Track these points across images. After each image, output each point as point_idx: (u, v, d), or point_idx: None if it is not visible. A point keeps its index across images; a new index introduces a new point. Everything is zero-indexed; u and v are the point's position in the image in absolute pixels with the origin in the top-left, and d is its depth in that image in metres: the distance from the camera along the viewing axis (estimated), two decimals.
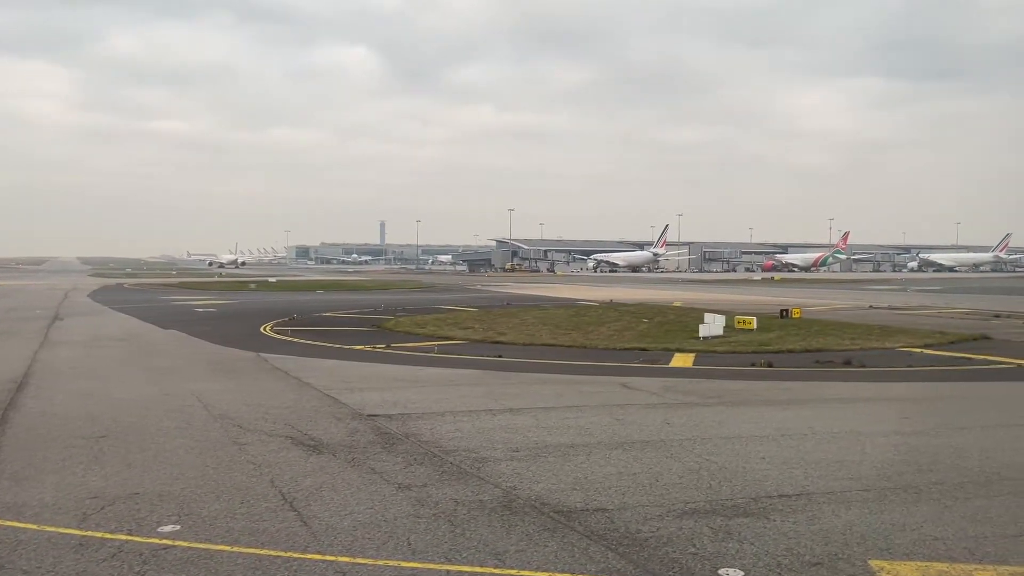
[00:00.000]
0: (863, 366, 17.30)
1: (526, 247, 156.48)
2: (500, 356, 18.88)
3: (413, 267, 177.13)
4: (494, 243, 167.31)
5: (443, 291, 60.90)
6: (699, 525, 6.60)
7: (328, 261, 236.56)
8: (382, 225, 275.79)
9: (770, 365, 17.43)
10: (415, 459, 8.71)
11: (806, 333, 24.36)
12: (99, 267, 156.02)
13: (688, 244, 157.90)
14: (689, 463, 8.65)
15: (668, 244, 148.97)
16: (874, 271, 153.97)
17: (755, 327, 25.94)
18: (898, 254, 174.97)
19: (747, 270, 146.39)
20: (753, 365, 17.56)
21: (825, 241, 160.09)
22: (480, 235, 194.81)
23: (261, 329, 25.56)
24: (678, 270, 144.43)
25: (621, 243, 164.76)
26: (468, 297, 49.78)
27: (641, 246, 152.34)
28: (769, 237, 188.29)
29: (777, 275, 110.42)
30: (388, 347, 20.86)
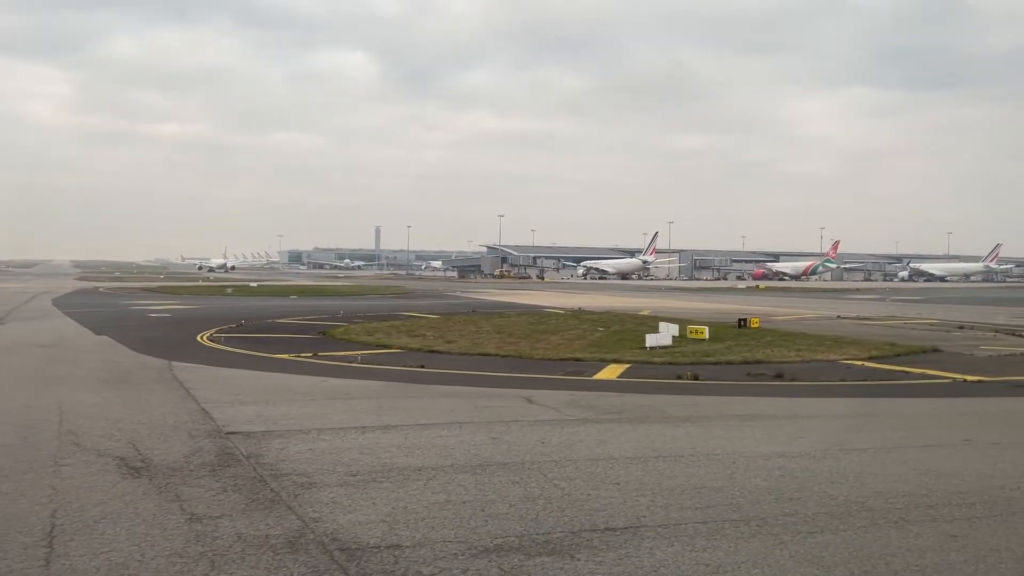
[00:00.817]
0: (793, 379, 16.63)
1: (516, 253, 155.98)
2: (423, 366, 18.20)
3: (404, 273, 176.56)
4: (485, 249, 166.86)
5: (419, 297, 60.25)
6: (490, 566, 5.92)
7: (321, 266, 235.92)
8: (377, 230, 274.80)
9: (696, 378, 16.76)
10: (235, 485, 8.02)
11: (755, 344, 23.70)
12: (89, 270, 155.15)
13: (679, 252, 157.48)
14: (532, 489, 7.97)
15: (658, 252, 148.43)
16: (865, 280, 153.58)
17: (707, 337, 25.30)
18: (889, 263, 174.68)
19: (739, 278, 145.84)
20: (679, 378, 16.89)
21: (817, 250, 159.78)
22: (474, 241, 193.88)
23: (198, 336, 24.86)
24: (668, 277, 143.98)
25: (613, 250, 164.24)
26: (439, 304, 49.10)
27: (632, 253, 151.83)
28: (763, 245, 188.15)
29: (763, 284, 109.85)
30: (314, 356, 20.16)
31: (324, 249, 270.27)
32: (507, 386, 15.34)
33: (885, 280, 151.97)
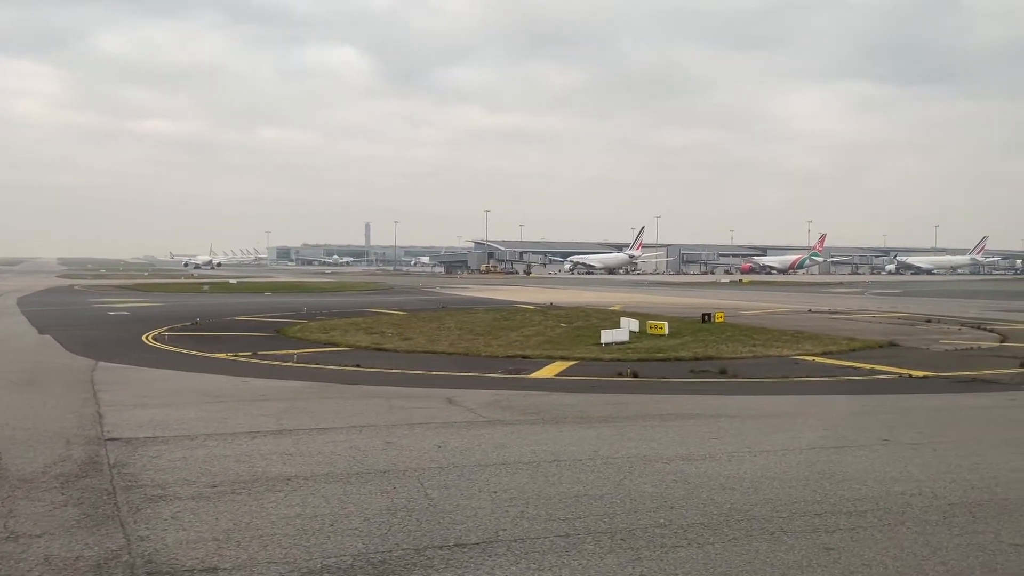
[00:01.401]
0: (735, 376, 16.18)
1: (503, 249, 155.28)
2: (358, 366, 17.65)
3: (392, 269, 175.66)
4: (472, 245, 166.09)
5: (396, 293, 59.58)
6: None
7: (309, 262, 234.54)
8: (367, 226, 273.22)
9: (635, 375, 16.27)
10: (79, 499, 7.46)
11: (713, 339, 23.24)
12: (74, 268, 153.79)
13: (666, 246, 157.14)
14: (400, 500, 7.45)
15: (645, 246, 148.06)
16: (852, 273, 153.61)
17: (666, 332, 24.83)
18: (876, 257, 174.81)
19: (726, 272, 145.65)
20: (620, 375, 16.40)
21: (805, 244, 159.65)
22: (463, 236, 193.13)
23: (145, 336, 24.23)
24: (656, 272, 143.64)
25: (601, 245, 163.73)
26: (412, 300, 48.51)
27: (620, 248, 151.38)
28: (752, 239, 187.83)
29: (746, 278, 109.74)
30: (254, 355, 19.58)
31: (312, 245, 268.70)
32: (437, 385, 14.81)
33: (872, 273, 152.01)
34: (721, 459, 9.19)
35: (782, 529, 6.72)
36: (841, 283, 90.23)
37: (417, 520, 6.87)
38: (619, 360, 18.96)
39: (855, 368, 17.46)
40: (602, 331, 22.94)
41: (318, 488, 7.85)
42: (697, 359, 19.08)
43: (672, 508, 7.28)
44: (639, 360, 19.02)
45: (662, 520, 6.92)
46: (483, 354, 20.23)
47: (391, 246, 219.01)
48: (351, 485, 7.97)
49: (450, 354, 20.36)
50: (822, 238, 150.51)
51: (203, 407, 12.32)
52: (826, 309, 38.56)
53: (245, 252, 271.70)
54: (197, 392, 13.85)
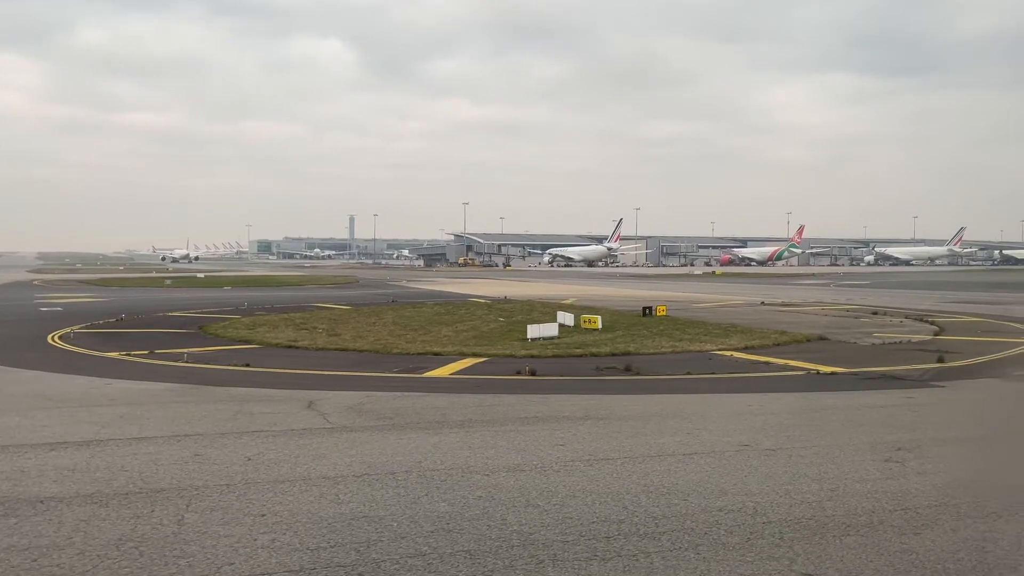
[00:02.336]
0: (639, 374, 15.40)
1: (482, 241, 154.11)
2: (248, 365, 16.72)
3: (371, 262, 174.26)
4: (452, 237, 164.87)
5: (360, 287, 58.49)
6: None
7: (291, 256, 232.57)
8: (351, 219, 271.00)
9: (533, 373, 15.44)
10: None
11: (644, 334, 22.48)
12: (51, 262, 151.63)
13: (646, 238, 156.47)
14: (143, 527, 6.55)
15: (625, 238, 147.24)
16: (831, 265, 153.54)
17: (599, 327, 24.07)
18: (856, 248, 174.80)
19: (706, 264, 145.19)
20: (518, 374, 15.58)
21: (785, 235, 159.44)
22: (445, 229, 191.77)
23: (53, 334, 23.15)
24: (635, 264, 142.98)
25: (581, 237, 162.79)
26: (367, 294, 47.51)
27: (600, 240, 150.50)
28: (732, 231, 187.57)
29: (720, 270, 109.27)
30: (150, 354, 18.60)
31: (295, 239, 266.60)
32: (315, 387, 13.92)
33: (852, 264, 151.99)
34: (550, 470, 8.36)
35: (554, 558, 5.91)
36: (813, 274, 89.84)
37: (138, 554, 5.98)
38: (534, 356, 18.14)
39: (768, 364, 16.71)
40: (529, 326, 22.12)
41: (63, 512, 6.94)
42: (614, 355, 18.29)
43: (449, 532, 6.45)
44: (555, 356, 18.24)
45: (425, 548, 6.08)
46: (394, 351, 19.35)
47: (372, 239, 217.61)
48: (105, 508, 7.07)
49: (361, 351, 19.48)
50: (800, 230, 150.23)
51: (30, 413, 11.37)
52: (779, 301, 37.88)
53: (227, 246, 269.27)
54: (39, 396, 12.90)
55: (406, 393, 13.25)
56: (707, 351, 19.06)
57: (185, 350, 18.95)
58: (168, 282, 64.48)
